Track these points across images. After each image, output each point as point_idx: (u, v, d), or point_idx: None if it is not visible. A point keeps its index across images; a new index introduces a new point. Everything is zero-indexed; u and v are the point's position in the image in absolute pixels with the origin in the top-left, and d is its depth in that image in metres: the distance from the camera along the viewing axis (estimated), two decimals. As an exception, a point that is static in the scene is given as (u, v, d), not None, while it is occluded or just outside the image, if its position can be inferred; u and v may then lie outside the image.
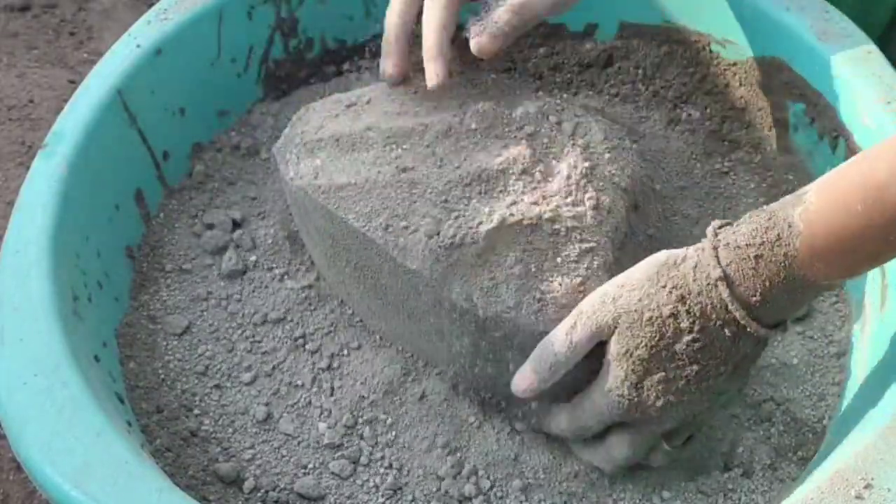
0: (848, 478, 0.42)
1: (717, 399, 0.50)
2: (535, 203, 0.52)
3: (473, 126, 0.56)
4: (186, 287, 0.61)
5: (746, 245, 0.45)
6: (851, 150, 0.60)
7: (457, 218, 0.52)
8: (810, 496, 0.42)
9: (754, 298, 0.45)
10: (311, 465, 0.53)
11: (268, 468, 0.53)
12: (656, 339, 0.47)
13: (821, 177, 0.46)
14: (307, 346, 0.58)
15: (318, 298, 0.60)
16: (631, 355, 0.48)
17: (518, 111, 0.57)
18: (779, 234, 0.44)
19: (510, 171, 0.54)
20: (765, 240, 0.45)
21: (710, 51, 0.70)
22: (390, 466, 0.53)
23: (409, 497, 0.52)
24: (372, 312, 0.57)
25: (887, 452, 0.43)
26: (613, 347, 0.48)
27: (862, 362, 0.55)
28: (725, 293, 0.45)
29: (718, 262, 0.46)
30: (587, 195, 0.53)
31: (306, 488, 0.52)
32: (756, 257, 0.45)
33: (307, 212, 0.56)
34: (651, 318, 0.47)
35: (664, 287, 0.47)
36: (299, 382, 0.57)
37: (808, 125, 0.65)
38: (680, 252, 0.48)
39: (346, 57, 0.73)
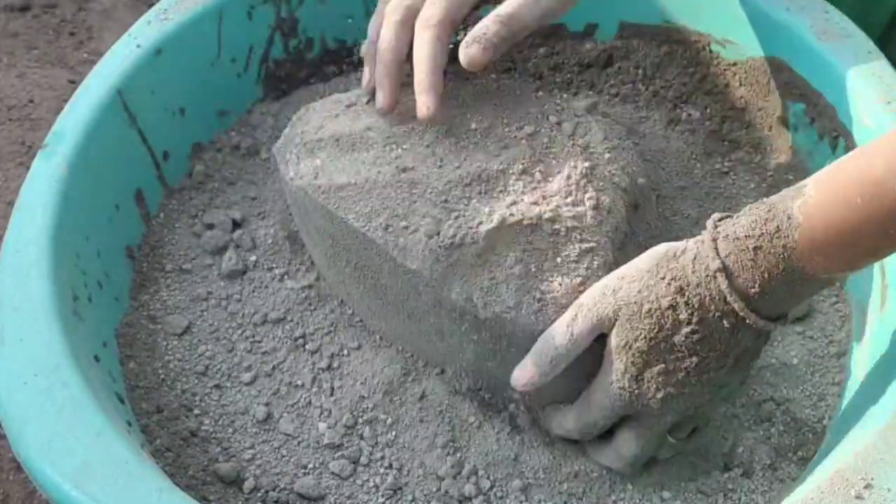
0: (848, 478, 0.42)
1: (718, 392, 0.49)
2: (535, 203, 0.52)
3: (473, 126, 0.56)
4: (186, 287, 0.61)
5: (745, 236, 0.45)
6: (851, 150, 0.60)
7: (457, 218, 0.52)
8: (810, 496, 0.42)
9: (753, 290, 0.45)
10: (311, 465, 0.53)
11: (268, 468, 0.53)
12: (655, 330, 0.47)
13: (820, 171, 0.46)
14: (307, 346, 0.58)
15: (318, 298, 0.60)
16: (630, 347, 0.48)
17: (518, 111, 0.57)
18: (778, 226, 0.44)
19: (510, 171, 0.54)
20: (764, 231, 0.45)
21: (710, 51, 0.70)
22: (390, 466, 0.53)
23: (409, 497, 0.52)
24: (372, 312, 0.57)
25: (887, 452, 0.43)
26: (613, 340, 0.48)
27: (862, 362, 0.55)
28: (724, 284, 0.45)
29: (717, 254, 0.46)
30: (587, 195, 0.53)
31: (306, 488, 0.52)
32: (755, 249, 0.45)
33: (307, 212, 0.56)
34: (650, 309, 0.47)
35: (663, 279, 0.47)
36: (299, 382, 0.57)
37: (808, 125, 0.65)
38: (680, 244, 0.48)
39: (346, 57, 0.73)
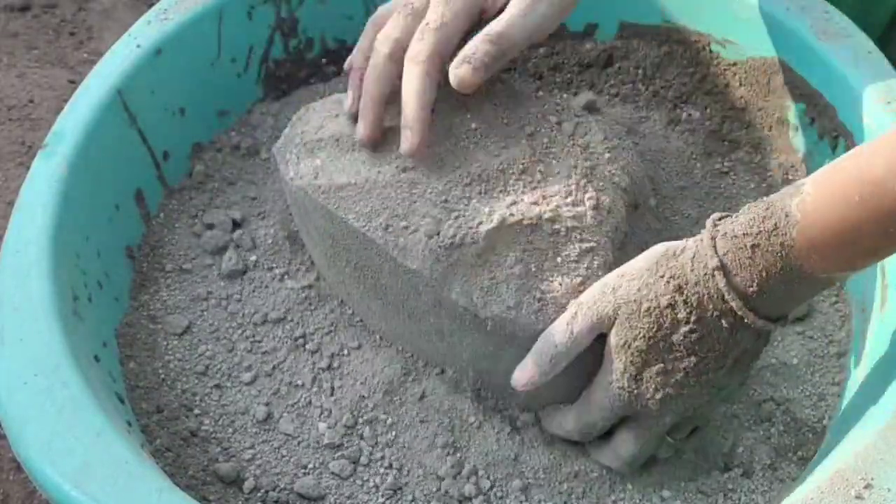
0: (848, 478, 0.42)
1: (717, 394, 0.49)
2: (535, 203, 0.52)
3: (473, 126, 0.56)
4: (186, 287, 0.61)
5: (743, 234, 0.45)
6: (851, 150, 0.60)
7: (457, 218, 0.52)
8: (810, 496, 0.42)
9: (751, 289, 0.45)
10: (311, 465, 0.53)
11: (268, 468, 0.53)
12: (654, 329, 0.47)
13: (819, 169, 0.46)
14: (307, 346, 0.58)
15: (318, 298, 0.60)
16: (629, 346, 0.48)
17: (518, 111, 0.57)
18: (776, 224, 0.44)
19: (510, 171, 0.54)
20: (761, 229, 0.45)
21: (710, 51, 0.70)
22: (390, 466, 0.53)
23: (409, 497, 0.52)
24: (372, 312, 0.57)
25: (887, 452, 0.43)
26: (613, 339, 0.48)
27: (862, 362, 0.55)
28: (722, 283, 0.45)
29: (715, 252, 0.46)
30: (587, 195, 0.53)
31: (306, 488, 0.52)
32: (752, 246, 0.45)
33: (307, 212, 0.56)
34: (649, 308, 0.47)
35: (662, 277, 0.47)
36: (299, 382, 0.57)
37: (808, 125, 0.65)
38: (679, 243, 0.48)
39: (345, 57, 0.73)
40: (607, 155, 0.56)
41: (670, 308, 0.46)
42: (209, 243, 0.63)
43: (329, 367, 0.57)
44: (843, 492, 0.42)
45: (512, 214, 0.52)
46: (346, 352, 0.58)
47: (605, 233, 0.53)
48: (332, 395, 0.56)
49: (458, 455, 0.53)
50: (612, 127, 0.60)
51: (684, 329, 0.46)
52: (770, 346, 0.58)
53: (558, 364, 0.50)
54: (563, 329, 0.49)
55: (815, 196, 0.44)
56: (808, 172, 0.65)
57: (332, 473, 0.53)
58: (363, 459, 0.54)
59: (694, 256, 0.46)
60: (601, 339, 0.49)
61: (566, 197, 0.53)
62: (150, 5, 0.68)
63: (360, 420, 0.55)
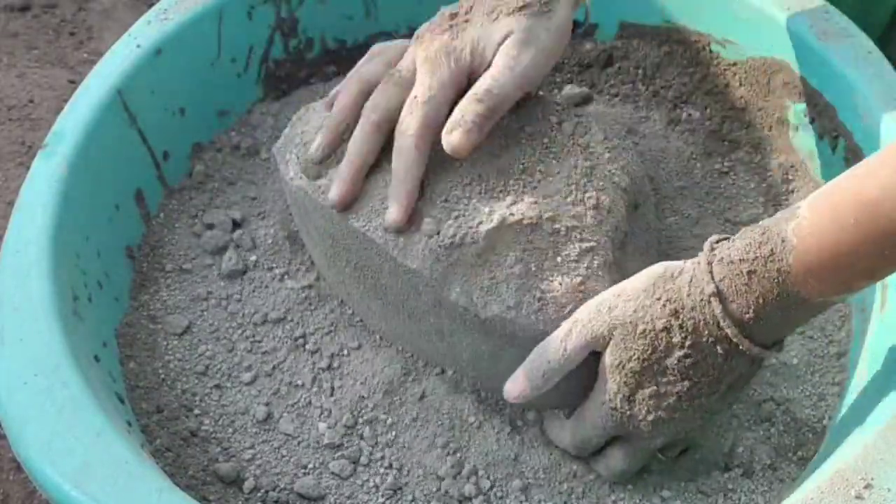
0: (848, 478, 0.42)
1: (709, 418, 0.50)
2: (535, 203, 0.52)
3: None
4: (186, 287, 0.61)
5: (739, 260, 0.45)
6: (851, 150, 0.60)
7: (457, 218, 0.52)
8: (810, 496, 0.42)
9: (747, 315, 0.45)
10: (311, 465, 0.53)
11: (268, 468, 0.53)
12: (648, 351, 0.47)
13: (814, 192, 0.45)
14: (307, 346, 0.58)
15: (318, 298, 0.60)
16: (623, 367, 0.47)
17: (518, 111, 0.57)
18: (772, 250, 0.44)
19: (510, 171, 0.54)
20: (758, 255, 0.44)
21: (710, 51, 0.70)
22: (390, 466, 0.53)
23: (409, 497, 0.52)
24: (372, 312, 0.57)
25: (887, 452, 0.43)
26: (608, 358, 0.48)
27: (862, 362, 0.55)
28: (718, 309, 0.45)
29: (712, 278, 0.45)
30: (587, 195, 0.53)
31: (306, 488, 0.52)
32: (749, 273, 0.44)
33: (307, 212, 0.56)
34: (644, 330, 0.46)
35: (659, 300, 0.46)
36: (299, 382, 0.57)
37: (808, 125, 0.65)
38: (677, 265, 0.48)
39: (346, 57, 0.73)
40: (607, 155, 0.56)
41: (665, 332, 0.46)
42: (209, 243, 0.63)
43: (329, 367, 0.57)
44: (843, 492, 0.42)
45: (512, 214, 0.52)
46: (346, 352, 0.58)
47: (605, 232, 0.53)
48: (332, 395, 0.56)
49: (458, 455, 0.53)
50: (612, 127, 0.60)
51: (679, 353, 0.46)
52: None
53: (550, 380, 0.50)
54: (557, 346, 0.49)
55: (811, 220, 0.43)
56: (809, 172, 0.65)
57: (332, 473, 0.53)
58: (363, 459, 0.54)
59: (691, 281, 0.46)
60: (596, 355, 0.49)
61: (566, 197, 0.53)
62: (150, 5, 0.68)
63: (360, 420, 0.55)
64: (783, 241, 0.44)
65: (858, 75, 0.60)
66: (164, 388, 0.56)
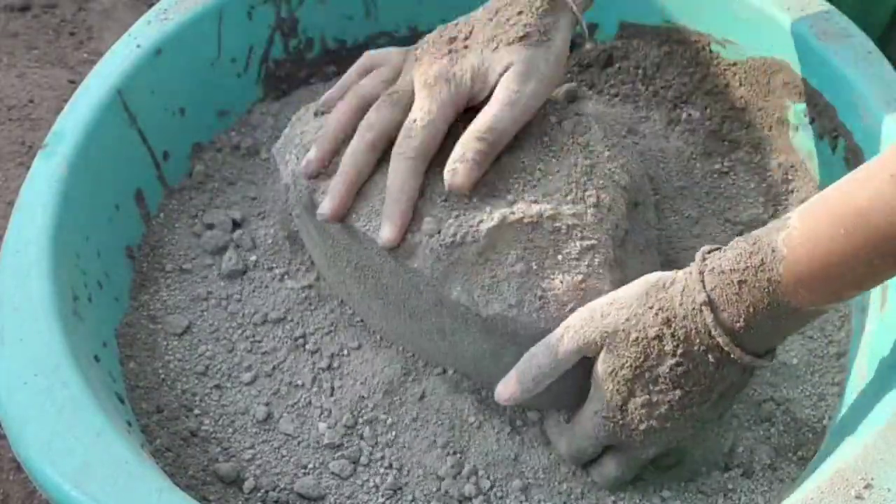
0: (848, 478, 0.42)
1: (701, 427, 0.50)
2: (536, 201, 0.52)
3: None
4: (186, 287, 0.61)
5: (730, 270, 0.45)
6: (851, 150, 0.60)
7: (457, 217, 0.52)
8: (810, 496, 0.42)
9: (738, 325, 0.45)
10: (311, 465, 0.53)
11: (268, 468, 0.53)
12: (641, 359, 0.47)
13: (804, 203, 0.46)
14: (307, 346, 0.58)
15: (318, 298, 0.60)
16: (616, 375, 0.48)
17: None
18: (762, 260, 0.44)
19: (510, 170, 0.54)
20: (748, 265, 0.44)
21: (710, 51, 0.70)
22: (390, 466, 0.53)
23: (409, 497, 0.52)
24: (373, 312, 0.57)
25: (887, 452, 0.43)
26: (600, 366, 0.49)
27: (862, 362, 0.55)
28: (709, 318, 0.45)
29: (703, 287, 0.46)
30: (587, 193, 0.53)
31: (306, 488, 0.52)
32: (740, 282, 0.45)
33: (307, 212, 0.56)
34: (637, 338, 0.47)
35: (651, 308, 0.47)
36: (299, 382, 0.57)
37: (808, 125, 0.65)
38: (670, 274, 0.48)
39: (346, 57, 0.73)
40: (607, 153, 0.56)
41: (657, 340, 0.46)
42: (209, 243, 0.63)
43: (329, 367, 0.57)
44: (843, 492, 0.42)
45: (512, 213, 0.52)
46: (346, 352, 0.58)
47: (605, 230, 0.53)
48: (332, 395, 0.56)
49: (458, 455, 0.53)
50: (612, 127, 0.60)
51: (670, 362, 0.46)
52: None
53: (541, 383, 0.50)
54: (549, 350, 0.49)
55: (802, 230, 0.44)
56: (809, 172, 0.65)
57: (332, 473, 0.53)
58: (363, 459, 0.54)
59: (683, 290, 0.46)
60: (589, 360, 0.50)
61: (566, 195, 0.53)
62: (150, 5, 0.68)
63: (360, 420, 0.55)
64: (773, 251, 0.44)
65: (858, 75, 0.60)
66: (164, 388, 0.56)
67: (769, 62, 0.66)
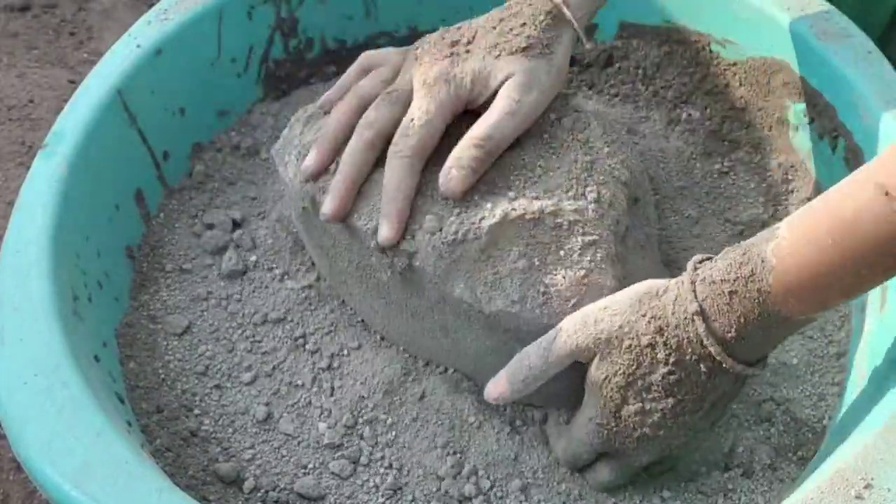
0: (848, 478, 0.42)
1: (694, 436, 0.50)
2: (537, 198, 0.53)
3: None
4: (186, 287, 0.61)
5: (721, 280, 0.45)
6: (851, 150, 0.60)
7: (459, 214, 0.52)
8: (810, 496, 0.42)
9: (730, 334, 0.46)
10: (311, 465, 0.53)
11: (268, 468, 0.53)
12: (633, 367, 0.47)
13: (793, 213, 0.46)
14: (307, 346, 0.58)
15: (318, 298, 0.60)
16: (609, 381, 0.48)
17: None
18: (752, 270, 0.45)
19: (511, 167, 0.54)
20: (738, 275, 0.45)
21: (710, 51, 0.70)
22: (390, 466, 0.53)
23: (409, 497, 0.52)
24: (374, 312, 0.57)
25: (887, 452, 0.43)
26: (594, 373, 0.49)
27: (862, 362, 0.55)
28: (701, 328, 0.46)
29: (695, 297, 0.46)
30: (588, 189, 0.53)
31: (306, 488, 0.52)
32: (730, 293, 0.45)
33: (308, 212, 0.56)
34: (630, 345, 0.47)
35: (644, 316, 0.47)
36: (299, 382, 0.57)
37: (808, 125, 0.65)
38: (662, 283, 0.48)
39: (346, 57, 0.73)
40: (606, 149, 0.56)
41: (650, 348, 0.47)
42: (209, 243, 0.63)
43: (329, 367, 0.57)
44: (843, 492, 0.42)
45: (514, 209, 0.52)
46: (346, 352, 0.58)
47: (606, 226, 0.53)
48: (332, 395, 0.56)
49: (458, 455, 0.53)
50: (611, 123, 0.60)
51: (663, 370, 0.47)
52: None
53: (531, 385, 0.50)
54: (541, 353, 0.49)
55: (790, 241, 0.44)
56: (809, 172, 0.65)
57: (332, 473, 0.53)
58: (363, 459, 0.54)
59: (675, 299, 0.47)
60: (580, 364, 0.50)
61: (567, 191, 0.53)
62: (150, 5, 0.68)
63: (360, 420, 0.55)
64: (763, 261, 0.44)
65: (858, 75, 0.60)
66: (164, 388, 0.56)
67: (769, 62, 0.66)
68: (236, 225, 0.64)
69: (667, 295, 0.47)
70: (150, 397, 0.55)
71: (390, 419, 0.55)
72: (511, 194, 0.53)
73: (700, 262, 0.48)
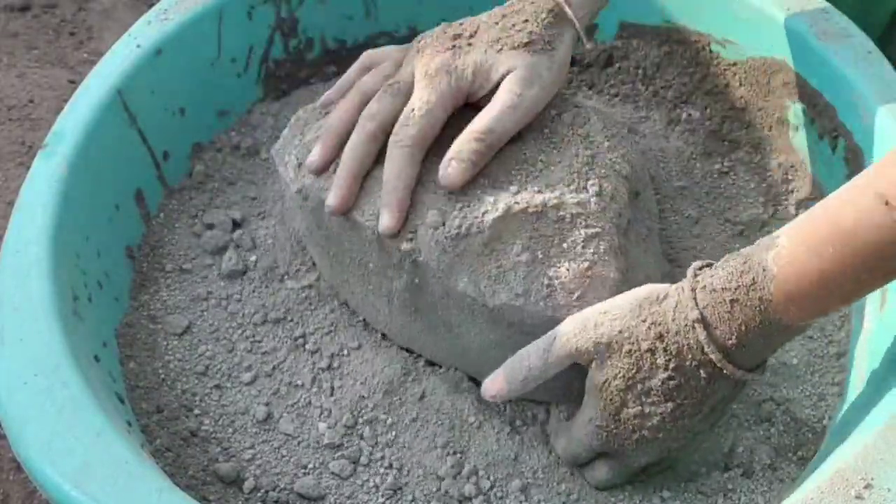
0: (848, 478, 0.42)
1: (692, 438, 0.50)
2: (539, 191, 0.53)
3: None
4: (186, 287, 0.61)
5: (722, 289, 0.46)
6: (851, 150, 0.60)
7: (461, 208, 0.52)
8: (810, 496, 0.42)
9: (731, 342, 0.46)
10: (311, 465, 0.53)
11: (268, 468, 0.53)
12: (633, 371, 0.47)
13: (792, 221, 0.46)
14: (307, 346, 0.58)
15: (318, 298, 0.60)
16: (609, 385, 0.48)
17: None
18: (754, 279, 0.45)
19: (512, 162, 0.54)
20: (740, 284, 0.45)
21: (710, 51, 0.70)
22: (390, 466, 0.53)
23: (409, 497, 0.52)
24: (376, 310, 0.57)
25: (887, 452, 0.43)
26: (594, 375, 0.49)
27: (862, 362, 0.55)
28: (702, 335, 0.46)
29: (696, 305, 0.46)
30: (590, 182, 0.54)
31: (306, 488, 0.52)
32: (732, 301, 0.45)
33: (309, 211, 0.56)
34: (630, 350, 0.47)
35: (644, 322, 0.47)
36: (299, 382, 0.57)
37: (808, 125, 0.65)
38: (663, 288, 0.48)
39: (346, 57, 0.73)
40: (607, 144, 0.56)
41: (650, 353, 0.47)
42: (209, 243, 0.63)
43: (329, 367, 0.57)
44: (843, 492, 0.42)
45: (517, 203, 0.52)
46: (346, 352, 0.58)
47: (609, 219, 0.53)
48: (332, 395, 0.56)
49: (458, 455, 0.53)
50: (610, 118, 0.60)
51: (662, 375, 0.47)
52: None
53: (528, 385, 0.50)
54: (540, 354, 0.50)
55: (791, 249, 0.45)
56: (809, 172, 0.65)
57: (332, 473, 0.53)
58: (363, 459, 0.54)
59: (676, 306, 0.47)
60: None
61: (569, 185, 0.53)
62: (150, 5, 0.68)
63: (360, 420, 0.55)
64: (764, 270, 0.45)
65: (858, 75, 0.60)
66: (164, 388, 0.56)
67: (769, 62, 0.66)
68: (236, 225, 0.64)
69: (667, 301, 0.47)
70: (150, 397, 0.55)
71: (390, 419, 0.55)
72: (513, 188, 0.53)
73: (700, 268, 0.48)
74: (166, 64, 0.64)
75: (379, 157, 0.55)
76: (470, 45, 0.55)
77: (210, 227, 0.64)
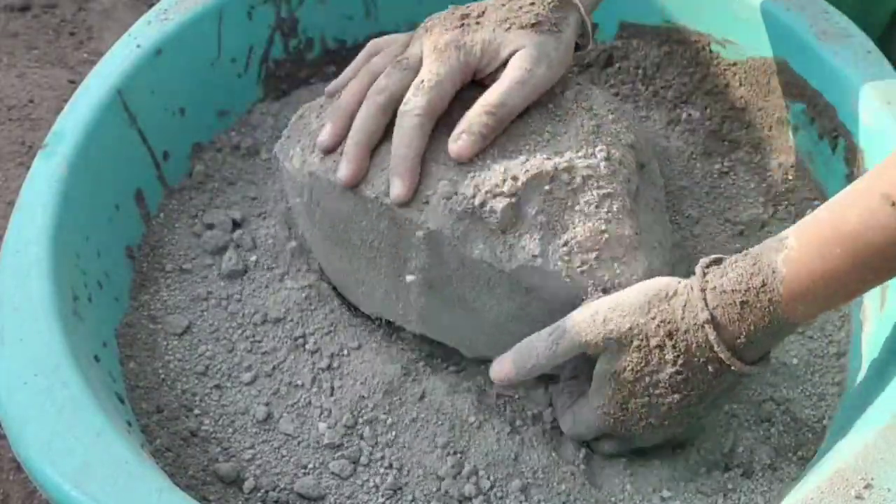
0: (848, 478, 0.42)
1: (696, 422, 0.52)
2: (549, 158, 0.53)
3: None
4: (186, 287, 0.61)
5: (732, 291, 0.47)
6: (851, 150, 0.60)
7: (473, 178, 0.52)
8: (810, 496, 0.42)
9: (739, 341, 0.47)
10: (311, 465, 0.53)
11: (268, 468, 0.53)
12: (642, 364, 0.48)
13: (799, 222, 0.47)
14: (307, 346, 0.58)
15: (318, 298, 0.60)
16: (618, 376, 0.49)
17: None
18: (763, 281, 0.46)
19: (520, 133, 0.55)
20: (750, 286, 0.46)
21: (710, 51, 0.70)
22: (390, 466, 0.53)
23: (409, 497, 0.52)
24: (389, 296, 0.57)
25: (887, 452, 0.43)
26: (602, 366, 0.50)
27: (862, 362, 0.55)
28: (712, 335, 0.47)
29: (706, 305, 0.47)
30: (597, 149, 0.54)
31: (306, 488, 0.52)
32: (742, 303, 0.46)
33: (316, 200, 0.56)
34: (639, 346, 0.48)
35: (654, 319, 0.48)
36: (299, 382, 0.57)
37: (808, 125, 0.65)
38: (672, 284, 0.49)
39: (345, 57, 0.73)
40: (611, 116, 0.57)
41: (659, 349, 0.48)
42: (209, 243, 0.63)
43: (329, 367, 0.57)
44: (843, 492, 0.42)
45: (527, 170, 0.52)
46: (345, 352, 0.58)
47: (619, 181, 0.53)
48: (332, 395, 0.56)
49: (458, 455, 0.53)
50: (611, 97, 0.61)
51: (671, 370, 0.48)
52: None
53: (535, 372, 0.52)
54: (548, 343, 0.51)
55: (799, 250, 0.46)
56: (809, 172, 0.65)
57: (332, 473, 0.53)
58: (363, 459, 0.54)
59: (685, 305, 0.48)
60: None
61: (577, 151, 0.54)
62: (150, 5, 0.68)
63: (360, 420, 0.55)
64: (774, 271, 0.46)
65: (858, 75, 0.60)
66: (164, 388, 0.56)
67: (769, 62, 0.66)
68: (236, 225, 0.64)
69: (676, 299, 0.48)
70: (150, 397, 0.55)
71: (390, 419, 0.55)
72: (522, 157, 0.53)
73: (707, 266, 0.49)
74: (166, 64, 0.64)
75: (387, 133, 0.55)
76: (478, 24, 0.56)
77: (210, 227, 0.64)
